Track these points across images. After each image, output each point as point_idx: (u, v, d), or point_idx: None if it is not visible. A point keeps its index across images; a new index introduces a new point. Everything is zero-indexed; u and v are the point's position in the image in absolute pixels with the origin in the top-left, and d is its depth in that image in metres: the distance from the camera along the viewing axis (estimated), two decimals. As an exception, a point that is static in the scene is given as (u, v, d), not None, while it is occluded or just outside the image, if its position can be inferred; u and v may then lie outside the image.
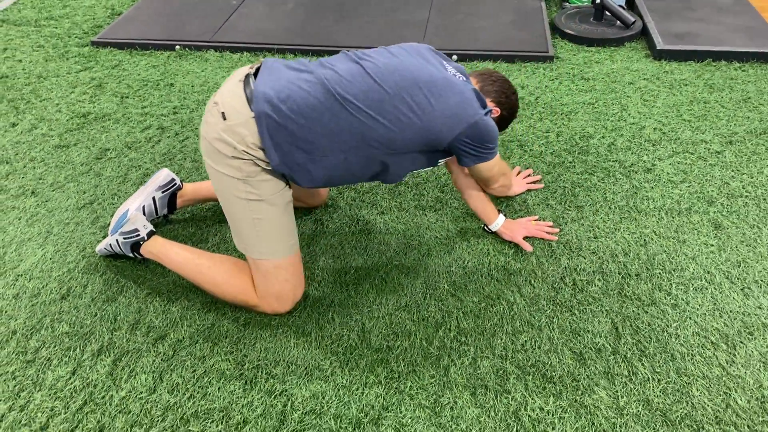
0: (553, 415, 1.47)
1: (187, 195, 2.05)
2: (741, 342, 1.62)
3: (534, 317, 1.71)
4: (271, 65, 1.63)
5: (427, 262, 1.91)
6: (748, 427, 1.43)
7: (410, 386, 1.55)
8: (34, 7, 3.81)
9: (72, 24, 3.58)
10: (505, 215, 1.96)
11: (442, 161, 1.74)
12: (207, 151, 1.61)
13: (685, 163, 2.26)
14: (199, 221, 2.10)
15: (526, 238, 1.95)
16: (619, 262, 1.87)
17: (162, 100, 2.80)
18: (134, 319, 1.75)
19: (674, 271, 1.83)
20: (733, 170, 2.22)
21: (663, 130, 2.45)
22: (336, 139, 1.55)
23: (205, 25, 3.39)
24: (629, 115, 2.57)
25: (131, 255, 1.87)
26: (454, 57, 3.02)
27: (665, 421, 1.44)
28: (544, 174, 2.24)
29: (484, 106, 1.65)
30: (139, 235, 1.83)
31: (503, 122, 1.85)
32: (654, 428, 1.43)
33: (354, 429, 1.46)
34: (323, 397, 1.53)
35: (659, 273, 1.83)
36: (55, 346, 1.68)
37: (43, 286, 1.86)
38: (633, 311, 1.71)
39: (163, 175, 2.01)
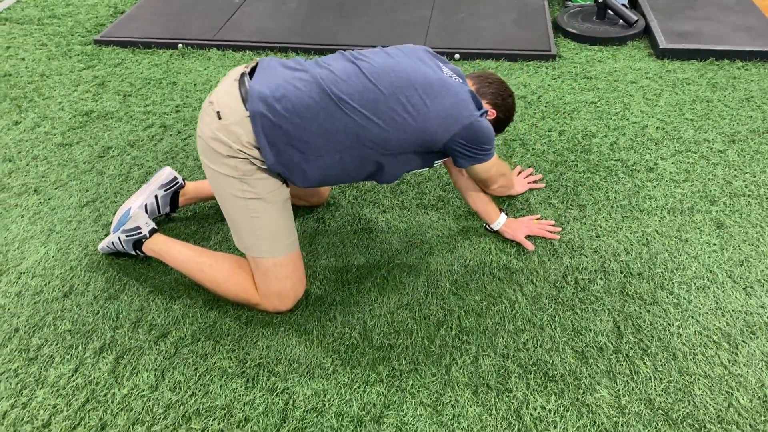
0: (554, 413, 1.47)
1: (189, 193, 2.05)
2: (743, 341, 1.62)
3: (536, 316, 1.71)
4: (267, 64, 1.63)
5: (429, 260, 1.91)
6: (750, 426, 1.43)
7: (412, 385, 1.55)
8: (37, 5, 3.82)
9: (75, 22, 3.59)
10: (506, 214, 1.96)
11: (438, 162, 1.74)
12: (203, 151, 1.61)
13: (688, 162, 2.26)
14: (201, 219, 2.10)
15: (528, 236, 1.95)
16: (621, 261, 1.87)
17: (164, 99, 2.81)
18: (136, 316, 1.75)
19: (676, 270, 1.83)
20: (735, 169, 2.21)
21: (665, 129, 2.45)
22: (331, 138, 1.55)
23: (207, 23, 3.39)
24: (632, 114, 2.56)
25: (133, 253, 1.88)
26: (456, 56, 3.02)
27: (667, 421, 1.44)
28: (546, 173, 2.24)
29: (479, 107, 1.65)
30: (141, 232, 1.83)
31: (499, 124, 1.84)
32: (656, 427, 1.43)
33: (355, 427, 1.46)
34: (325, 396, 1.53)
35: (661, 272, 1.82)
36: (57, 344, 1.69)
37: (45, 284, 1.87)
38: (635, 310, 1.71)
39: (166, 173, 2.01)
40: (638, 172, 2.22)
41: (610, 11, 3.22)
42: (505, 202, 2.12)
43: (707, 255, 1.87)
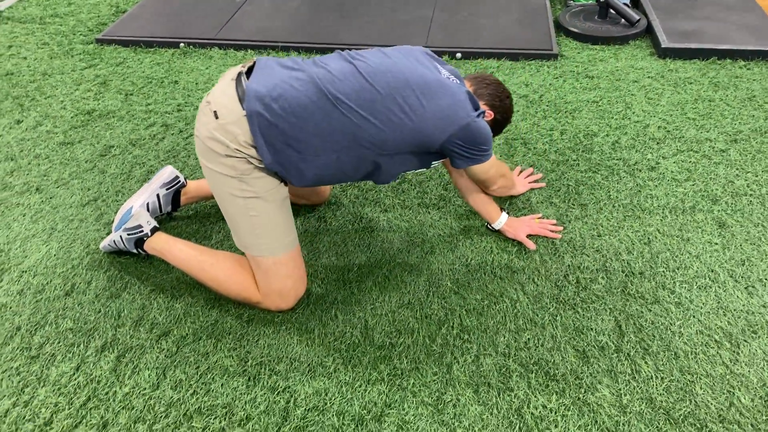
0: (555, 413, 1.47)
1: (190, 192, 2.05)
2: (745, 340, 1.61)
3: (537, 315, 1.71)
4: (264, 64, 1.63)
5: (431, 259, 1.91)
6: (752, 425, 1.43)
7: (413, 383, 1.55)
8: (39, 4, 3.82)
9: (77, 21, 3.59)
10: (508, 213, 1.96)
11: (435, 163, 1.73)
12: (201, 151, 1.61)
13: (690, 162, 2.26)
14: (202, 218, 2.10)
15: (529, 236, 1.95)
16: (623, 260, 1.87)
17: (166, 98, 2.81)
18: (138, 315, 1.76)
19: (678, 269, 1.83)
20: (737, 168, 2.21)
21: (667, 129, 2.45)
22: (328, 138, 1.55)
23: (209, 22, 3.39)
24: (633, 113, 2.56)
25: (135, 251, 1.88)
26: (458, 55, 3.02)
27: (668, 420, 1.44)
28: (548, 172, 2.24)
29: (476, 108, 1.64)
30: (142, 231, 1.83)
31: (497, 126, 1.83)
32: (657, 426, 1.43)
33: (357, 426, 1.46)
34: (326, 394, 1.53)
35: (663, 271, 1.82)
36: (59, 342, 1.69)
37: (47, 283, 1.87)
38: (636, 309, 1.71)
39: (168, 172, 2.01)
40: (640, 171, 2.22)
41: (611, 10, 3.22)
42: (507, 202, 2.12)
43: (709, 254, 1.87)
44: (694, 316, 1.68)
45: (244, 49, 3.19)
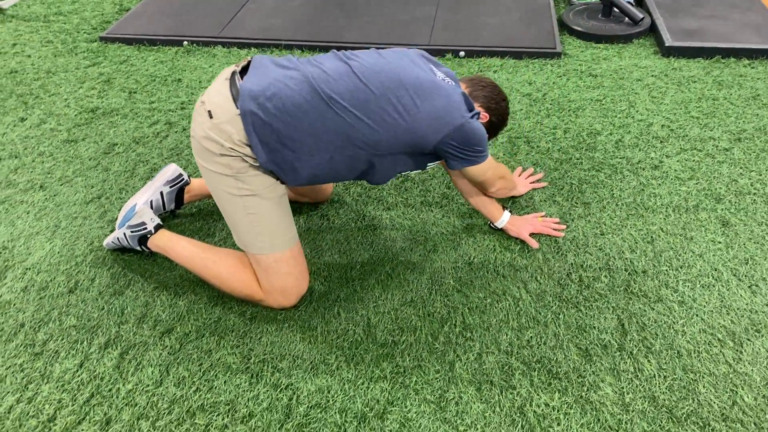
0: (558, 411, 1.47)
1: (194, 190, 2.06)
2: (748, 339, 1.61)
3: (540, 313, 1.71)
4: (259, 63, 1.63)
5: (433, 258, 1.91)
6: (755, 424, 1.42)
7: (415, 381, 1.55)
8: (43, 2, 3.83)
9: (81, 20, 3.60)
10: (510, 212, 1.96)
11: (431, 165, 1.73)
12: (197, 151, 1.62)
13: (693, 160, 2.25)
14: (206, 216, 2.11)
15: (532, 234, 1.94)
16: (626, 258, 1.86)
17: (170, 96, 2.81)
18: (141, 312, 1.76)
19: (681, 268, 1.83)
20: (741, 167, 2.21)
21: (671, 127, 2.44)
22: (322, 138, 1.55)
23: (212, 20, 3.39)
24: (637, 111, 2.55)
25: (138, 249, 1.88)
26: (461, 53, 3.02)
27: (671, 418, 1.44)
28: (551, 170, 2.24)
29: (471, 109, 1.64)
30: (146, 228, 1.84)
31: (492, 128, 1.82)
32: (660, 425, 1.43)
33: (359, 423, 1.46)
34: (329, 391, 1.53)
35: (666, 270, 1.82)
36: (62, 339, 1.69)
37: (51, 280, 1.88)
38: (639, 308, 1.71)
39: (171, 170, 2.02)
40: (643, 170, 2.22)
41: (615, 9, 3.21)
42: (509, 200, 2.12)
43: (712, 253, 1.87)
44: (697, 315, 1.68)
45: (247, 48, 3.19)
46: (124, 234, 1.87)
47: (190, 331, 1.70)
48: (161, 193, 1.99)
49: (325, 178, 1.65)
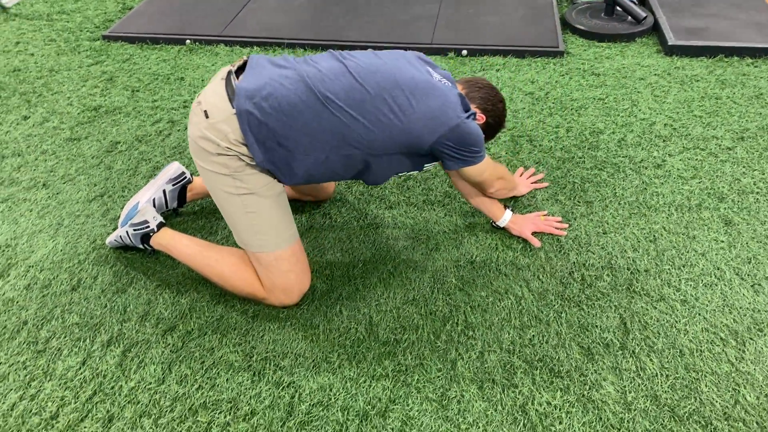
0: (560, 409, 1.47)
1: (196, 188, 2.06)
2: (750, 338, 1.61)
3: (542, 312, 1.71)
4: (255, 62, 1.63)
5: (435, 256, 1.91)
6: (757, 423, 1.42)
7: (417, 379, 1.55)
8: (46, 1, 3.83)
9: (83, 18, 3.60)
10: (512, 210, 1.96)
11: (428, 166, 1.72)
12: (194, 151, 1.62)
13: (696, 159, 2.25)
14: (208, 214, 2.11)
15: (534, 233, 1.94)
16: (628, 257, 1.86)
17: (172, 94, 2.82)
18: (144, 310, 1.76)
19: (684, 267, 1.82)
20: (744, 166, 2.20)
21: (674, 126, 2.44)
22: (317, 137, 1.55)
23: (215, 19, 3.40)
24: (640, 110, 2.55)
25: (141, 247, 1.89)
26: (464, 52, 3.02)
27: (673, 417, 1.44)
28: (553, 169, 2.24)
29: (467, 110, 1.63)
30: (149, 226, 1.84)
31: (489, 130, 1.81)
32: (662, 424, 1.43)
33: (361, 421, 1.46)
34: (331, 390, 1.53)
35: (668, 269, 1.82)
36: (65, 337, 1.70)
37: (53, 278, 1.88)
38: (641, 307, 1.71)
39: (174, 168, 2.02)
40: (646, 168, 2.22)
41: (618, 8, 3.21)
42: (512, 199, 2.12)
43: (715, 252, 1.86)
44: (699, 314, 1.68)
45: (249, 46, 3.19)
46: (127, 232, 1.87)
47: (192, 329, 1.70)
48: (164, 191, 1.99)
49: (320, 177, 1.65)
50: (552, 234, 1.95)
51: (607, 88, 2.71)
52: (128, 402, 1.52)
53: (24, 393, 1.56)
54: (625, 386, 1.51)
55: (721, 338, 1.61)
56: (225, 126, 1.53)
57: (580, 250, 1.90)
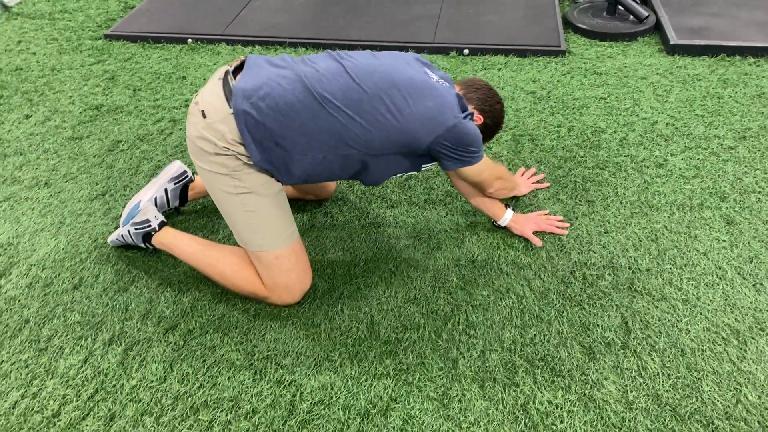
0: (561, 408, 1.47)
1: (198, 187, 2.06)
2: (752, 338, 1.61)
3: (543, 311, 1.71)
4: (253, 62, 1.63)
5: (437, 255, 1.91)
6: (759, 422, 1.42)
7: (419, 378, 1.55)
8: (48, 0, 3.84)
9: (85, 17, 3.60)
10: (513, 209, 1.96)
11: (426, 166, 1.72)
12: (192, 151, 1.63)
13: (698, 159, 2.25)
14: (210, 213, 2.11)
15: (536, 232, 1.94)
16: (630, 256, 1.86)
17: (174, 93, 2.82)
18: (145, 309, 1.77)
19: (685, 266, 1.82)
20: (746, 166, 2.20)
21: (675, 125, 2.44)
22: (315, 137, 1.55)
23: (217, 18, 3.40)
24: (641, 110, 2.55)
25: (143, 246, 1.89)
26: (466, 51, 3.02)
27: (674, 416, 1.44)
28: (555, 168, 2.24)
29: (464, 110, 1.63)
30: (150, 225, 1.84)
31: (487, 131, 1.81)
32: (663, 423, 1.43)
33: (362, 420, 1.46)
34: (332, 388, 1.53)
35: (670, 268, 1.82)
36: (67, 335, 1.70)
37: (55, 276, 1.88)
38: (643, 306, 1.71)
39: (176, 167, 2.02)
40: (647, 168, 2.21)
41: (620, 7, 3.20)
42: (513, 199, 2.11)
43: (716, 251, 1.86)
44: (701, 313, 1.68)
45: (251, 45, 3.19)
46: (129, 231, 1.87)
47: (194, 328, 1.70)
48: (165, 190, 1.99)
49: (318, 177, 1.65)
50: (553, 233, 1.95)
51: (608, 88, 2.71)
52: (130, 400, 1.53)
53: (26, 391, 1.56)
54: (626, 385, 1.51)
55: (723, 338, 1.61)
56: (222, 126, 1.54)
57: (582, 250, 1.89)
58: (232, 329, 1.69)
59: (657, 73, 2.80)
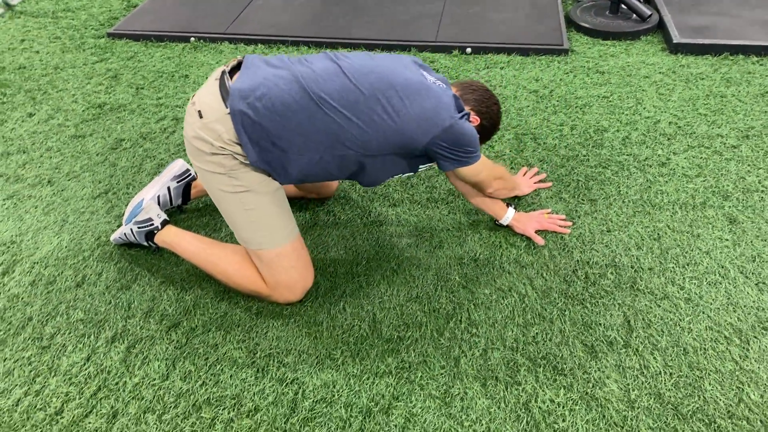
0: (563, 407, 1.47)
1: (200, 185, 2.07)
2: (755, 337, 1.61)
3: (545, 310, 1.71)
4: (250, 62, 1.64)
5: (439, 254, 1.91)
6: (761, 421, 1.42)
7: (421, 376, 1.55)
8: (51, -2, 3.85)
9: (88, 16, 3.61)
10: (515, 208, 1.96)
11: (423, 167, 1.72)
12: (189, 151, 1.63)
13: (701, 158, 2.24)
14: (212, 211, 2.11)
15: (538, 231, 1.94)
16: (632, 255, 1.86)
17: (177, 92, 2.82)
18: (148, 307, 1.77)
19: (688, 265, 1.82)
20: (749, 165, 2.20)
21: (678, 124, 2.43)
22: (311, 138, 1.55)
23: (219, 17, 3.40)
24: (644, 108, 2.55)
25: (145, 244, 1.89)
26: (468, 50, 3.02)
27: (677, 415, 1.44)
28: (557, 167, 2.24)
29: (461, 111, 1.63)
30: (153, 224, 1.84)
31: (484, 132, 1.81)
32: (665, 422, 1.43)
33: (364, 418, 1.46)
34: (334, 386, 1.54)
35: (672, 267, 1.82)
36: (70, 333, 1.70)
37: (58, 274, 1.89)
38: (645, 305, 1.71)
39: (178, 165, 2.03)
40: (650, 167, 2.21)
41: (623, 6, 3.20)
42: (515, 198, 2.11)
43: (719, 250, 1.86)
44: (703, 312, 1.68)
45: (254, 44, 3.19)
46: (131, 230, 1.88)
47: (196, 326, 1.71)
48: (168, 189, 2.00)
49: (315, 177, 1.66)
50: (556, 232, 1.95)
51: (611, 86, 2.71)
52: (132, 398, 1.53)
53: (29, 388, 1.56)
54: (628, 384, 1.51)
55: (725, 336, 1.61)
56: (218, 126, 1.54)
57: (584, 248, 1.89)
58: (235, 327, 1.70)
59: (660, 72, 2.79)
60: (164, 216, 1.87)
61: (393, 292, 1.78)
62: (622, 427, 1.42)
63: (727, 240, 1.89)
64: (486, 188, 1.84)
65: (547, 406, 1.47)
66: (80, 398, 1.53)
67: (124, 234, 1.91)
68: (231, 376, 1.57)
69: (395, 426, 1.44)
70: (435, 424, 1.44)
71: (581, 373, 1.54)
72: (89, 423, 1.48)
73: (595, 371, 1.54)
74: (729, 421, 1.42)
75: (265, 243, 1.65)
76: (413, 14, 3.33)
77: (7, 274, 1.90)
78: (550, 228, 1.95)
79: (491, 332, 1.65)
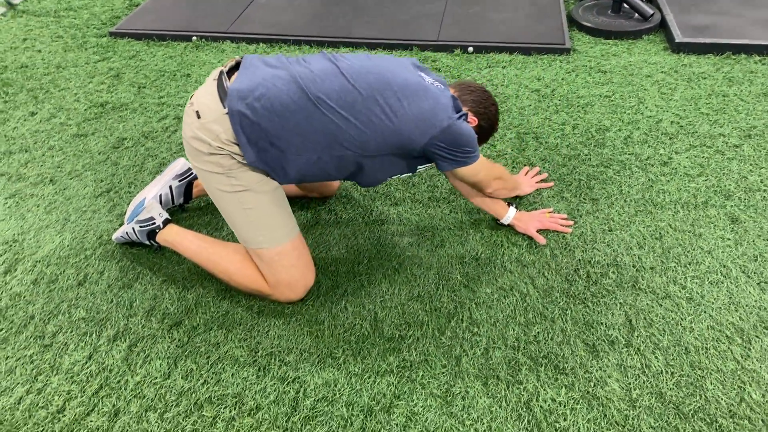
0: (565, 406, 1.47)
1: (202, 184, 2.06)
2: (756, 336, 1.60)
3: (547, 309, 1.71)
4: (249, 62, 1.64)
5: (440, 253, 1.91)
6: (763, 421, 1.42)
7: (422, 375, 1.55)
8: (53, -2, 3.85)
9: (90, 15, 3.61)
10: (516, 207, 1.96)
11: (421, 168, 1.72)
12: (188, 151, 1.64)
13: (703, 157, 2.24)
14: (214, 210, 2.11)
15: (540, 230, 1.94)
16: (634, 255, 1.86)
17: (179, 90, 2.82)
18: (150, 305, 1.77)
19: (689, 264, 1.82)
20: (751, 164, 2.19)
21: (680, 124, 2.43)
22: (309, 138, 1.55)
23: (221, 16, 3.40)
24: (646, 108, 2.54)
25: (147, 243, 1.90)
26: (470, 49, 3.02)
27: (678, 414, 1.44)
28: (559, 166, 2.23)
29: (459, 111, 1.63)
30: (154, 223, 1.85)
31: (482, 133, 1.81)
32: (667, 421, 1.43)
33: (366, 417, 1.46)
34: (335, 385, 1.54)
35: (674, 266, 1.81)
36: (71, 331, 1.71)
37: (60, 273, 1.89)
38: (647, 304, 1.71)
39: (180, 164, 2.03)
40: (652, 166, 2.21)
41: (625, 5, 3.20)
42: (517, 197, 2.11)
43: (721, 250, 1.86)
44: (705, 312, 1.67)
45: (256, 43, 3.19)
46: (133, 228, 1.88)
47: (198, 324, 1.71)
48: (170, 188, 2.00)
49: (313, 177, 1.66)
50: (557, 231, 1.95)
51: (613, 86, 2.70)
52: (134, 396, 1.53)
53: (31, 387, 1.57)
54: (630, 383, 1.51)
55: (727, 336, 1.61)
56: (216, 126, 1.54)
57: (586, 248, 1.89)
58: (236, 326, 1.70)
59: (662, 71, 2.79)
60: (166, 215, 1.88)
61: (394, 291, 1.78)
62: (624, 427, 1.42)
63: (728, 239, 1.89)
64: (485, 188, 1.84)
65: (549, 405, 1.47)
66: (82, 396, 1.54)
67: (126, 233, 1.91)
68: (232, 374, 1.57)
69: (396, 425, 1.44)
70: (436, 423, 1.45)
71: (583, 373, 1.54)
72: (91, 421, 1.48)
73: (597, 370, 1.54)
74: (731, 420, 1.42)
75: (265, 242, 1.65)
76: (414, 14, 3.33)
77: (9, 273, 1.90)
78: (551, 227, 1.95)
79: (493, 331, 1.65)
